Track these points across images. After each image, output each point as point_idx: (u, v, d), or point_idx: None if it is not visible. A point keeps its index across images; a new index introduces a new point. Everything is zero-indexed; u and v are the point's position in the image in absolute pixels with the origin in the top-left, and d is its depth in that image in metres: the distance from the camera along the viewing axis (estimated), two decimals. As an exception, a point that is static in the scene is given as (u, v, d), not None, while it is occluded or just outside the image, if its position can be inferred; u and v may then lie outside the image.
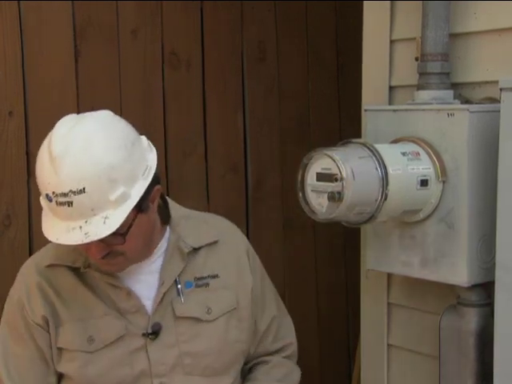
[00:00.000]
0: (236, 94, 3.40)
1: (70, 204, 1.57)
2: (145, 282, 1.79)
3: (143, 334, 1.75)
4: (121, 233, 1.62)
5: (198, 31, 3.26)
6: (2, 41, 2.73)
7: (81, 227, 1.58)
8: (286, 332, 2.00)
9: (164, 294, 1.78)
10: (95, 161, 1.57)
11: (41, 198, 1.64)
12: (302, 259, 3.63)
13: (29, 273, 1.81)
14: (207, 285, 1.82)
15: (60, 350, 1.76)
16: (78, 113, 2.90)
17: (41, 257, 1.83)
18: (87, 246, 1.64)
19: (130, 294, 1.77)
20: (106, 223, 1.58)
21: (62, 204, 1.57)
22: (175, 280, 1.79)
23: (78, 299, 1.77)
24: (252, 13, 3.42)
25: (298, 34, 3.58)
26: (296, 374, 1.99)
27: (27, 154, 2.79)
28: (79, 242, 1.59)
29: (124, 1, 3.03)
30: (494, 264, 1.81)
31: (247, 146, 3.45)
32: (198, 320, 1.79)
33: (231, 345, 1.83)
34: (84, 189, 1.56)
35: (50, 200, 1.59)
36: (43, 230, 1.64)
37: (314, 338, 3.64)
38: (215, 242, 1.86)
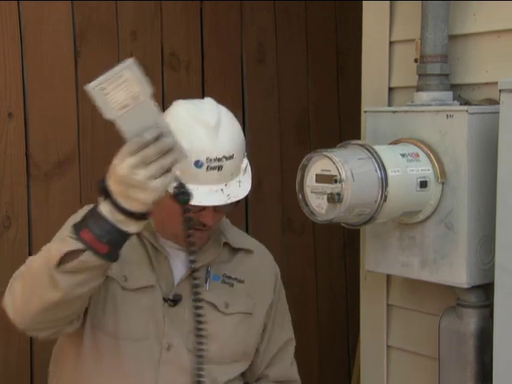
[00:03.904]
0: (236, 95, 3.40)
1: (220, 168, 1.77)
2: (180, 259, 1.91)
3: (163, 299, 1.87)
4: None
5: (197, 32, 3.26)
6: (1, 41, 2.73)
7: (222, 190, 1.78)
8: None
9: (192, 272, 1.85)
10: (240, 133, 1.86)
11: (177, 170, 1.69)
12: (302, 259, 3.63)
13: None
14: (232, 285, 1.95)
15: None
16: (79, 115, 2.93)
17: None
18: (204, 214, 1.80)
19: (167, 258, 1.90)
20: (240, 186, 1.83)
21: (212, 169, 1.76)
22: (207, 269, 1.92)
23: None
24: (251, 13, 3.42)
25: (297, 34, 3.58)
26: None
27: (27, 155, 2.79)
28: (221, 203, 1.77)
29: (124, 1, 3.03)
30: (494, 265, 1.81)
31: (247, 146, 3.45)
32: (215, 308, 1.90)
33: (238, 343, 1.93)
34: (233, 155, 1.79)
35: (200, 166, 1.75)
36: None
37: (314, 339, 3.64)
38: (251, 252, 2.01)
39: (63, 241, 1.59)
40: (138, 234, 1.87)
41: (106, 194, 1.54)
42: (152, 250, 1.90)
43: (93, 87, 1.48)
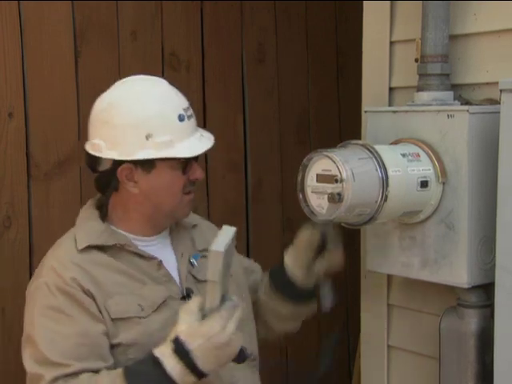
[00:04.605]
0: (236, 95, 3.40)
1: (192, 115, 1.88)
2: (165, 256, 1.94)
3: (181, 298, 1.89)
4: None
5: (197, 32, 3.26)
6: (1, 41, 2.73)
7: (202, 135, 1.90)
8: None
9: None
10: None
11: (160, 139, 1.80)
12: (302, 260, 3.63)
13: (60, 262, 1.83)
14: (206, 256, 1.92)
15: (114, 321, 1.80)
16: (79, 115, 2.92)
17: (66, 249, 1.87)
18: (193, 170, 1.89)
19: (160, 264, 1.90)
20: (205, 131, 1.93)
21: (189, 117, 1.86)
22: (187, 255, 1.97)
23: (116, 275, 1.84)
24: (251, 13, 3.42)
25: (297, 34, 3.58)
26: None
27: (27, 155, 2.79)
28: (212, 143, 1.89)
29: (124, 1, 3.03)
30: (494, 265, 1.81)
31: (247, 146, 3.45)
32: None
33: (243, 300, 1.96)
34: (189, 102, 1.90)
35: (183, 119, 1.84)
36: (182, 154, 1.83)
37: (314, 339, 3.64)
38: (196, 225, 2.06)
39: None
40: (122, 253, 1.87)
41: (183, 356, 1.64)
42: (142, 261, 1.88)
43: (223, 250, 1.63)
